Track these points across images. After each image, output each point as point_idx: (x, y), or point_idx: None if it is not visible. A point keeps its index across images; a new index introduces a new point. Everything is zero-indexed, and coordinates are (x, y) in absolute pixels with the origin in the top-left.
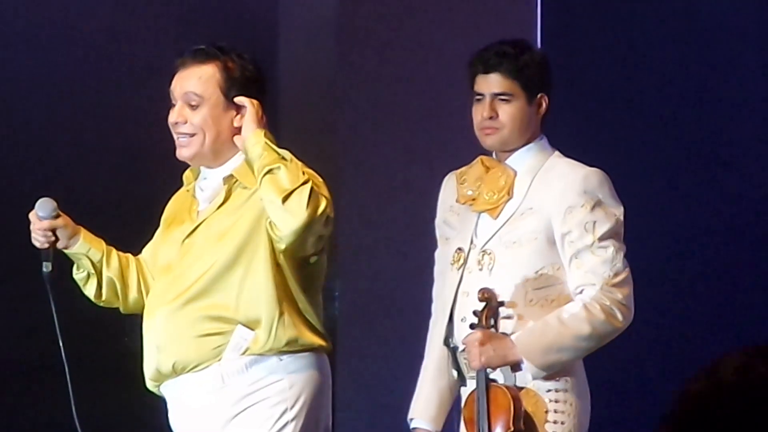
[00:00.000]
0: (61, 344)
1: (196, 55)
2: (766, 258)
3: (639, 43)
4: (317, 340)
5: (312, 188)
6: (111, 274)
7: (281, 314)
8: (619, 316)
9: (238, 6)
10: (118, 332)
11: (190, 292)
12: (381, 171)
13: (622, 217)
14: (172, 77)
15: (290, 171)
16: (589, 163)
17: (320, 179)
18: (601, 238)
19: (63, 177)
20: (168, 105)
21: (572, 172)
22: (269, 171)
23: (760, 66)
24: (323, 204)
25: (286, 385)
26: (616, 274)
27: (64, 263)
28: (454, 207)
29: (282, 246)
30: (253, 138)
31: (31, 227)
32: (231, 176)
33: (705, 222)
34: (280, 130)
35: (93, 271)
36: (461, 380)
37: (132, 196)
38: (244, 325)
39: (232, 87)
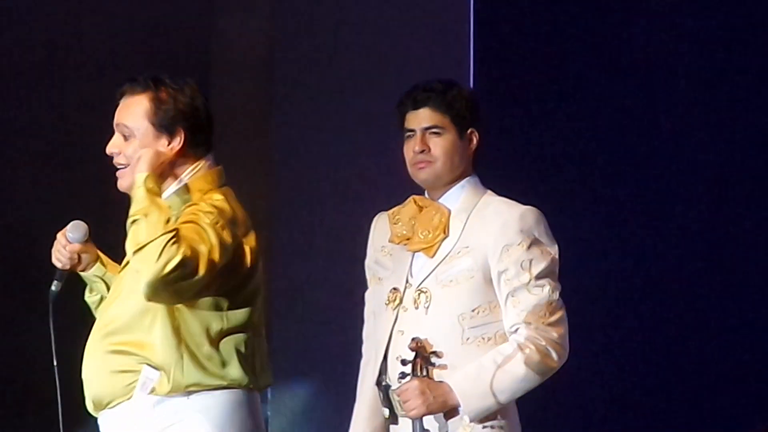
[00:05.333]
0: (55, 364)
1: (131, 86)
2: (706, 294)
3: (571, 79)
4: (226, 380)
5: (168, 241)
6: None
7: (180, 359)
8: (554, 355)
9: (171, 39)
10: None
11: (108, 326)
12: (315, 208)
13: (557, 256)
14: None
15: (148, 223)
16: (525, 202)
17: (201, 228)
18: (538, 277)
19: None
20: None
21: (508, 211)
22: (133, 221)
23: (692, 97)
24: (177, 258)
25: (194, 424)
26: (551, 313)
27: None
28: (387, 247)
29: (144, 297)
30: (136, 181)
31: (57, 246)
32: None
33: (643, 259)
34: None
35: (107, 294)
36: (393, 418)
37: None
38: (150, 365)
39: (164, 117)
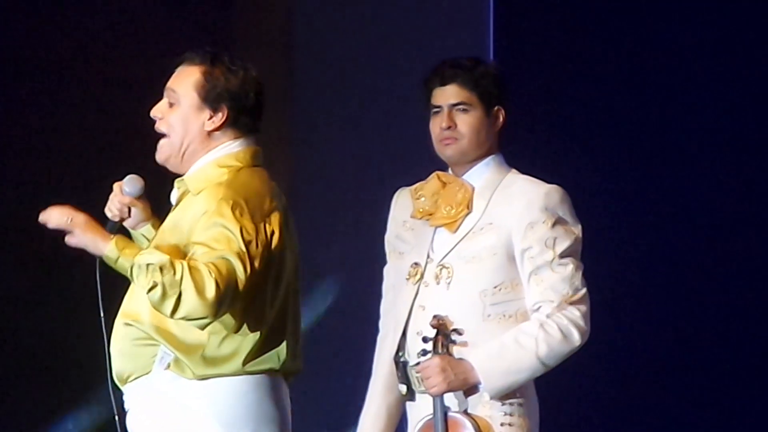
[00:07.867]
0: (103, 325)
1: (190, 56)
2: (727, 274)
3: (591, 63)
4: (240, 367)
5: (164, 291)
6: None
7: (196, 346)
8: (576, 335)
9: (192, 13)
10: None
11: (129, 305)
12: (335, 184)
13: (580, 235)
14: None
15: (166, 282)
16: (546, 180)
17: (229, 233)
18: (561, 255)
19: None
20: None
21: (533, 189)
22: (150, 290)
23: (715, 76)
24: (212, 294)
25: (203, 405)
26: (574, 292)
27: None
28: (408, 222)
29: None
30: (110, 257)
31: (111, 196)
32: (182, 180)
33: (666, 242)
34: None
35: None
36: (410, 395)
37: None
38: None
39: (211, 92)
